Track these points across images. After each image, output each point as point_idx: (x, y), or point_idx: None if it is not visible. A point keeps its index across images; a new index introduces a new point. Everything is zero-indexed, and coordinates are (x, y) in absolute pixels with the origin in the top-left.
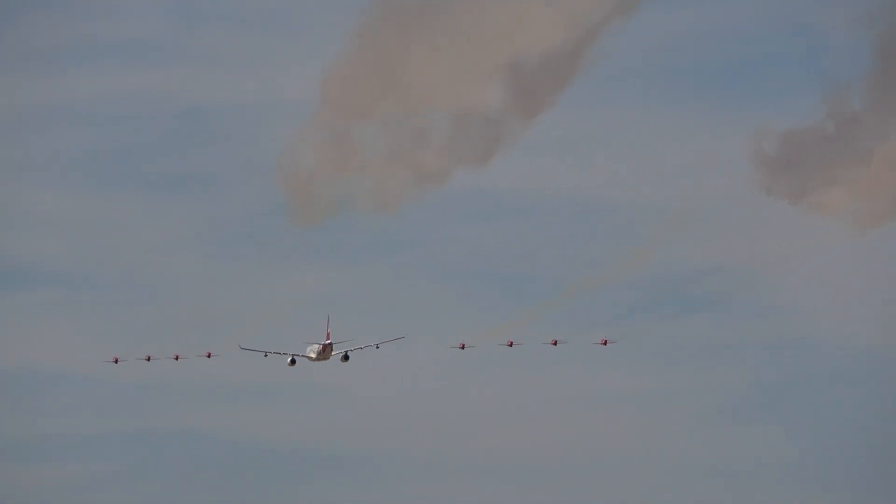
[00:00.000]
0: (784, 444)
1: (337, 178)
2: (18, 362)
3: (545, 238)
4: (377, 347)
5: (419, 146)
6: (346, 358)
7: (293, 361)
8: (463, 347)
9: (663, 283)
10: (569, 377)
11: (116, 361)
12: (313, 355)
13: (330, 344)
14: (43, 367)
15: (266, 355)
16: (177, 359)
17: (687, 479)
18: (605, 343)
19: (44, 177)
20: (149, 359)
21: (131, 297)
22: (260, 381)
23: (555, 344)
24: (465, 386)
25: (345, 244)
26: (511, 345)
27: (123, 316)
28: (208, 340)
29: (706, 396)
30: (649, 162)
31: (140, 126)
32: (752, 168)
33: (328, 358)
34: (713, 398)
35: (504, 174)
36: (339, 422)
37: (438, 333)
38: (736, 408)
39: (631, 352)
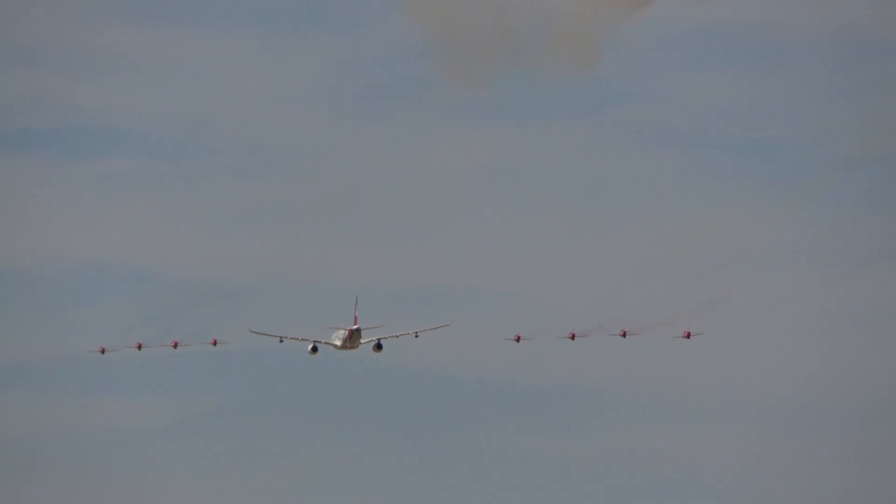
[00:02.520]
0: None
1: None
2: (84, 253)
3: (802, 90)
4: (416, 336)
5: None
6: (378, 347)
7: (315, 349)
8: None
9: None
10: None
11: (103, 352)
12: (338, 342)
13: (358, 330)
14: (117, 260)
15: (281, 341)
16: (175, 346)
17: None
18: (689, 336)
19: (125, 5)
20: (140, 347)
21: (238, 169)
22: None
23: (624, 335)
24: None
25: (518, 102)
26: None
27: (227, 194)
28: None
29: None
30: None
31: None
32: None
33: (356, 346)
34: None
35: (739, 4)
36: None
37: (653, 218)
38: None
39: None
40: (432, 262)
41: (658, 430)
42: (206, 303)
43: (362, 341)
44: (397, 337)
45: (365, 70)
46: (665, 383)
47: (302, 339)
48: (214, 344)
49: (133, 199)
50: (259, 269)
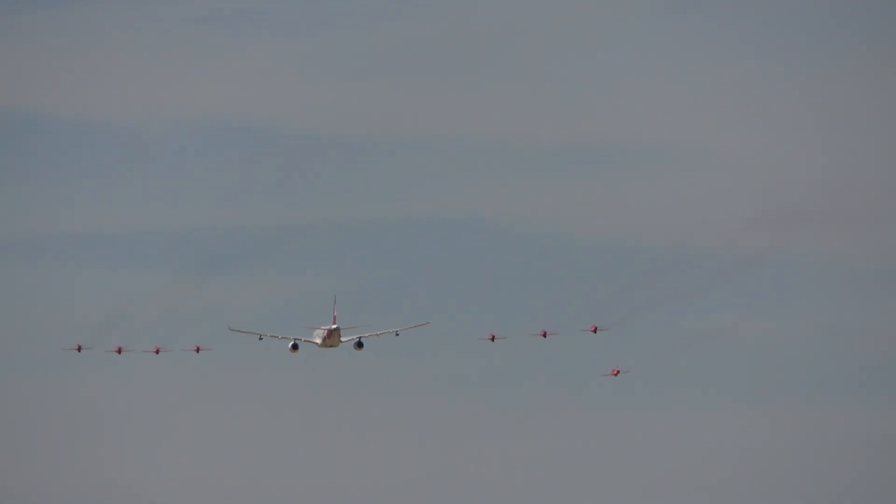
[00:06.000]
0: None
1: None
2: (184, 107)
3: None
4: (397, 335)
5: None
6: (360, 345)
7: (295, 347)
8: (493, 339)
9: None
10: None
11: (79, 350)
12: (319, 341)
13: (337, 329)
14: (218, 115)
15: (261, 338)
16: (157, 352)
17: None
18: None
19: None
20: (119, 351)
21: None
22: None
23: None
24: None
25: None
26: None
27: (352, 38)
28: None
29: None
30: None
31: None
32: None
33: (336, 345)
34: None
35: None
36: None
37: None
38: None
39: None
40: (587, 113)
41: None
42: (328, 162)
43: (343, 340)
44: (378, 335)
45: None
46: None
47: (282, 338)
48: (197, 351)
49: (240, 44)
50: (389, 124)
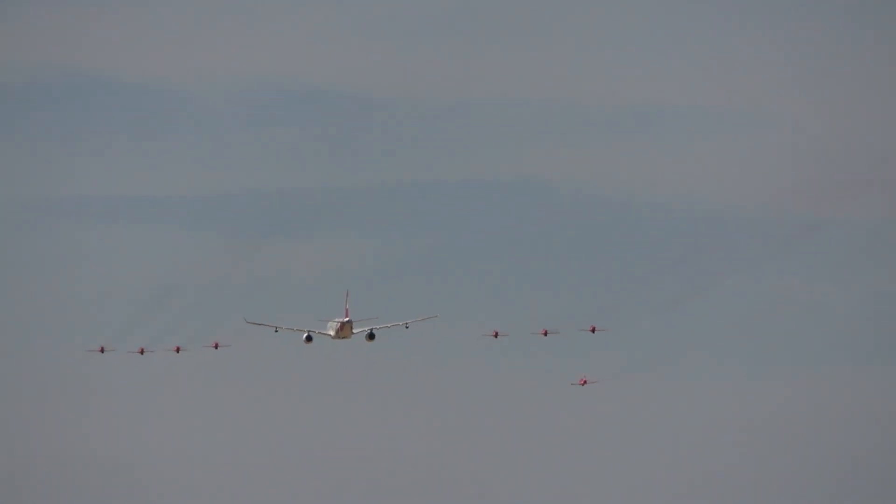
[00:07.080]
0: None
1: None
2: (229, 69)
3: None
4: (406, 327)
5: None
6: (371, 336)
7: (309, 338)
8: (496, 335)
9: None
10: None
11: (102, 351)
12: (332, 333)
13: (349, 322)
14: (267, 78)
15: (276, 331)
16: (178, 351)
17: None
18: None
19: None
20: (142, 352)
21: None
22: None
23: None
24: None
25: None
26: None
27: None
28: None
29: None
30: None
31: None
32: None
33: (348, 336)
34: None
35: None
36: None
37: None
38: None
39: None
40: (647, 75)
41: None
42: (380, 125)
43: (355, 331)
44: (388, 327)
45: None
46: None
47: (297, 330)
48: (216, 347)
49: (292, 6)
50: (441, 86)
